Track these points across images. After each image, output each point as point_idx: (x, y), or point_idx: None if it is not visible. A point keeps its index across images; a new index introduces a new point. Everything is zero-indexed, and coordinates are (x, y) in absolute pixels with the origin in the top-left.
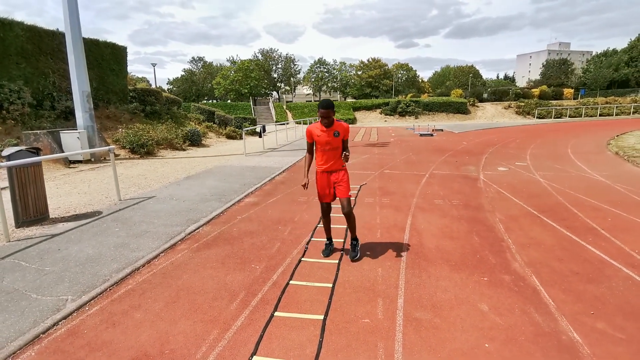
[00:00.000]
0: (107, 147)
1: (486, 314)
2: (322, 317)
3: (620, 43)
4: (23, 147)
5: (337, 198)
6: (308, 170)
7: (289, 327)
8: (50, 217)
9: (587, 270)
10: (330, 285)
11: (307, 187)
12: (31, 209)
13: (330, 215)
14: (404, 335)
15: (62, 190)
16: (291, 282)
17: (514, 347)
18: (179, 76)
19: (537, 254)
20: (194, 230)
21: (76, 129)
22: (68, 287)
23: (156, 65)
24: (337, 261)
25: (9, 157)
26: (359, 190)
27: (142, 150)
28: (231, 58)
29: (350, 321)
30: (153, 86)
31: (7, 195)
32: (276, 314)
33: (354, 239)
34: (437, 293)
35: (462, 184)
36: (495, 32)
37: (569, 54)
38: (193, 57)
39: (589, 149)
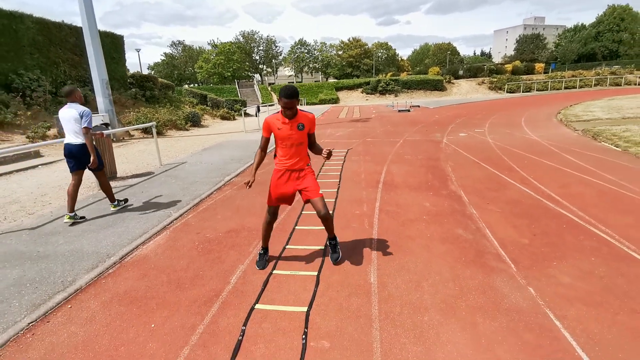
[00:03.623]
0: (150, 124)
1: (427, 207)
2: (332, 210)
3: (592, 17)
4: (99, 123)
5: (309, 201)
6: (257, 168)
7: (311, 217)
8: (117, 176)
9: (495, 187)
10: (334, 199)
11: (250, 186)
12: (107, 169)
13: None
14: (379, 216)
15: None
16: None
17: (439, 217)
18: (159, 60)
19: (468, 181)
20: (229, 180)
21: (97, 113)
22: (166, 208)
23: (129, 48)
24: (335, 188)
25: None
26: (346, 153)
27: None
28: (212, 41)
29: (348, 213)
30: (132, 72)
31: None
32: (303, 212)
33: (332, 238)
34: (400, 200)
35: (428, 146)
36: (475, 7)
37: (543, 29)
38: (173, 42)
39: (540, 117)
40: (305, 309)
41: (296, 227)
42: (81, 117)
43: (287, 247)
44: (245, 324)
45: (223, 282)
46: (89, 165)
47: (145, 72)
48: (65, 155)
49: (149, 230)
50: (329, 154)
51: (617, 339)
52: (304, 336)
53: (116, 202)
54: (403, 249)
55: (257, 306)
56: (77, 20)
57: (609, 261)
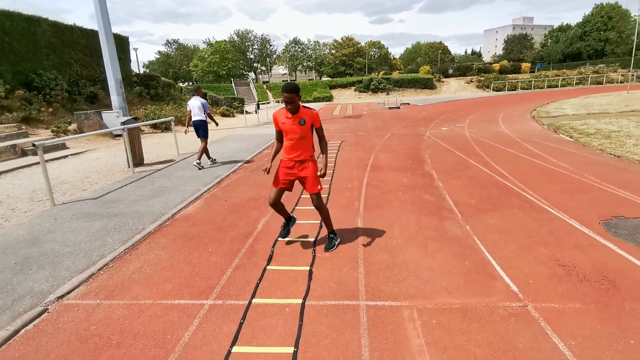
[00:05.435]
0: (169, 118)
1: (404, 181)
2: (328, 185)
3: (582, 16)
4: (130, 117)
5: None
6: (273, 157)
7: None
8: (145, 162)
9: (462, 168)
10: (330, 178)
11: (268, 172)
12: (137, 155)
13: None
14: (366, 188)
15: None
16: None
17: (412, 188)
18: (154, 59)
19: (441, 164)
20: (241, 165)
21: (112, 110)
22: (195, 184)
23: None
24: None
25: (125, 122)
26: (339, 144)
27: (162, 125)
28: (207, 40)
29: (341, 186)
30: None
31: (92, 155)
32: None
33: (331, 232)
34: (384, 178)
35: (412, 138)
36: (467, 6)
37: (532, 29)
38: (168, 40)
39: (517, 114)
40: (313, 239)
41: (302, 196)
42: (203, 105)
43: (296, 208)
44: (273, 247)
45: (252, 227)
46: (203, 135)
47: (141, 70)
48: (194, 127)
49: (186, 199)
50: (322, 175)
51: (513, 250)
52: (313, 252)
53: (213, 159)
54: (382, 207)
55: (280, 239)
56: (68, 17)
57: (527, 211)
